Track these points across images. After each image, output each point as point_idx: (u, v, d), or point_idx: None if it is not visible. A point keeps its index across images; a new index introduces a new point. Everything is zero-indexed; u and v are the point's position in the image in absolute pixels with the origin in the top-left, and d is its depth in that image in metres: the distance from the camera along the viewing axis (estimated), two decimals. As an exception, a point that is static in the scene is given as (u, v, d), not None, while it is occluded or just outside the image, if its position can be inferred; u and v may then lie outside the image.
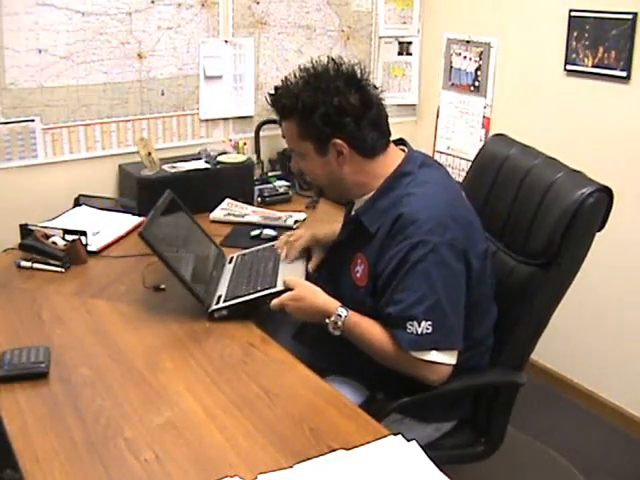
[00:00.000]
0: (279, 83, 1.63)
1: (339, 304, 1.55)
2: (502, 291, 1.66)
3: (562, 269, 1.61)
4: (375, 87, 1.60)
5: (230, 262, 1.97)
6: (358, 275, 1.59)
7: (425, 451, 1.19)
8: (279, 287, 1.68)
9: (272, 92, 1.62)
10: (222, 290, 1.78)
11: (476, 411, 1.73)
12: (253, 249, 2.01)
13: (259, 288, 1.72)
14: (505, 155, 1.82)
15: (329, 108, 1.52)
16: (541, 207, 1.64)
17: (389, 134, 1.62)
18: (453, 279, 1.49)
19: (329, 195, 1.74)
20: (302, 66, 1.60)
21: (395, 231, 1.50)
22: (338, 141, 1.55)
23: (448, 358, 1.49)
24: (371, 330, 1.53)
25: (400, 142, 1.68)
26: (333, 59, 1.59)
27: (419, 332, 1.46)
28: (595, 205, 1.56)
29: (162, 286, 1.84)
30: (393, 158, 1.62)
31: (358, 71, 1.58)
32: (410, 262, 1.47)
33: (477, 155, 1.94)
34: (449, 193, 1.60)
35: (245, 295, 1.71)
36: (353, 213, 1.65)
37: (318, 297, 1.59)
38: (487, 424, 1.73)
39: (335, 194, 1.71)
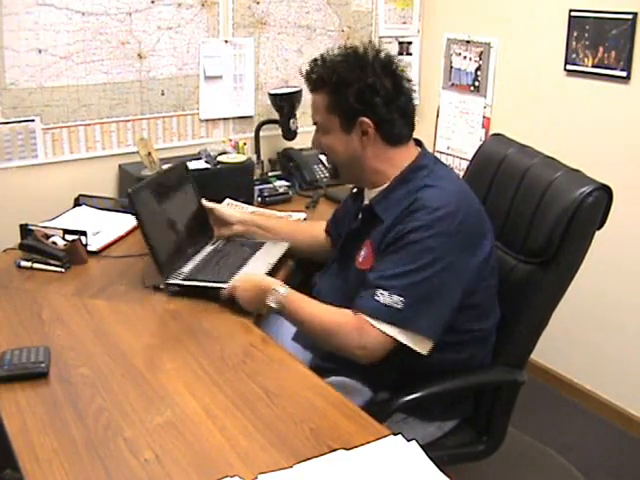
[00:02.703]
0: (301, 70, 1.70)
1: (280, 282, 1.63)
2: (502, 290, 1.66)
3: (562, 267, 1.62)
4: (409, 80, 1.64)
5: (213, 244, 2.04)
6: (360, 259, 1.62)
7: (425, 451, 1.19)
8: (229, 284, 1.74)
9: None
10: (188, 267, 1.87)
11: (477, 410, 1.74)
12: (240, 239, 2.08)
13: (212, 278, 1.80)
14: (503, 155, 1.83)
15: (363, 85, 1.56)
16: (540, 206, 1.65)
17: (413, 127, 1.65)
18: (446, 270, 1.48)
19: (343, 177, 1.73)
20: (342, 46, 1.65)
21: (406, 213, 1.52)
22: (365, 120, 1.57)
23: (400, 336, 1.48)
24: (315, 302, 1.59)
25: (416, 142, 1.69)
26: (373, 45, 1.64)
27: (385, 303, 1.46)
28: (595, 204, 1.57)
29: (162, 286, 1.84)
30: (411, 152, 1.64)
31: (395, 60, 1.62)
32: (407, 240, 1.48)
33: (475, 155, 1.95)
34: (464, 192, 1.61)
35: (198, 280, 1.79)
36: (367, 203, 1.67)
37: (258, 276, 1.72)
38: (488, 423, 1.73)
39: (350, 176, 1.72)
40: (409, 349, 1.50)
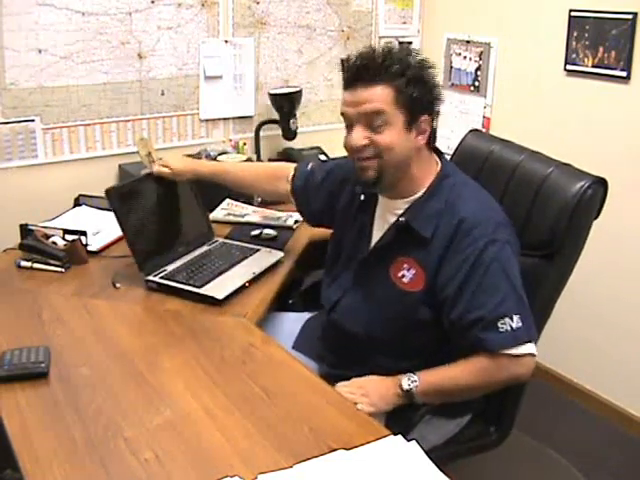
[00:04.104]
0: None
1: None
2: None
3: (565, 258, 1.64)
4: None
5: (210, 244, 2.06)
6: (405, 280, 1.56)
7: (427, 453, 1.19)
8: (203, 291, 1.76)
9: (355, 55, 1.53)
10: (172, 266, 1.89)
11: (487, 402, 1.74)
12: (237, 243, 2.09)
13: (187, 282, 1.80)
14: (487, 151, 1.84)
15: (432, 84, 1.53)
16: (537, 200, 1.67)
17: None
18: (519, 274, 1.50)
19: (385, 181, 1.55)
20: (383, 44, 1.58)
21: (460, 236, 1.49)
22: (428, 117, 1.53)
23: (535, 348, 1.49)
24: (447, 367, 1.50)
25: (434, 149, 1.65)
26: (410, 48, 1.60)
27: (513, 327, 1.45)
28: (593, 196, 1.60)
29: (118, 285, 1.85)
30: (434, 161, 1.61)
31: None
32: (485, 263, 1.47)
33: (455, 151, 1.94)
34: (488, 195, 1.61)
35: (175, 281, 1.81)
36: (401, 219, 1.57)
37: (373, 376, 1.55)
38: (497, 414, 1.75)
39: (393, 179, 1.56)
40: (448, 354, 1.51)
